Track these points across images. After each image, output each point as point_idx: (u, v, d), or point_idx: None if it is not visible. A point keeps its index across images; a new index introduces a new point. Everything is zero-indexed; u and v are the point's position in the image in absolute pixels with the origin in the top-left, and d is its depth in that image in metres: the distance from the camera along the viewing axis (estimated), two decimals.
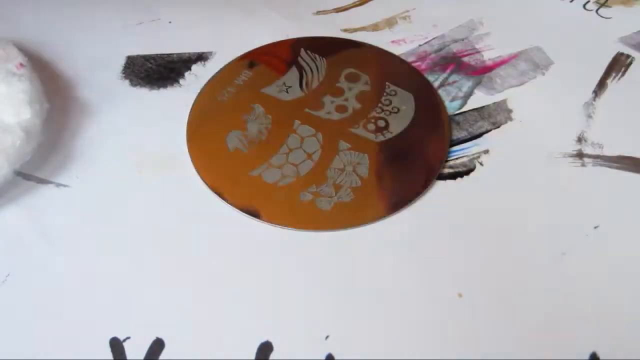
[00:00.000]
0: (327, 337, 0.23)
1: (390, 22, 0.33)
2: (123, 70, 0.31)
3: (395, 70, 0.31)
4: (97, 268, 0.24)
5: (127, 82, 0.30)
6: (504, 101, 0.29)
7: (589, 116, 0.29)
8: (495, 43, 0.32)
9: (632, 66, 0.30)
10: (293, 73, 0.30)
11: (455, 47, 0.32)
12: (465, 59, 0.31)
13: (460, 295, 0.23)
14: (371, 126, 0.28)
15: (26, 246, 0.25)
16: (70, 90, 0.30)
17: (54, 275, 0.24)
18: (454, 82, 0.30)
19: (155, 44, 0.32)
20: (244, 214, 0.26)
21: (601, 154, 0.27)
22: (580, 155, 0.27)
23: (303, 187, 0.26)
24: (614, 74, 0.30)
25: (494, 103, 0.29)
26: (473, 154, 0.27)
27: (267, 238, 0.25)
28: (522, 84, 0.30)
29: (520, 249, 0.25)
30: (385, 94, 0.29)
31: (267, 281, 0.24)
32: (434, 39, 0.32)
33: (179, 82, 0.30)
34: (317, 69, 0.31)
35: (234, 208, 0.26)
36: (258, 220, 0.25)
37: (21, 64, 0.27)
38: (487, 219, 0.25)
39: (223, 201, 0.26)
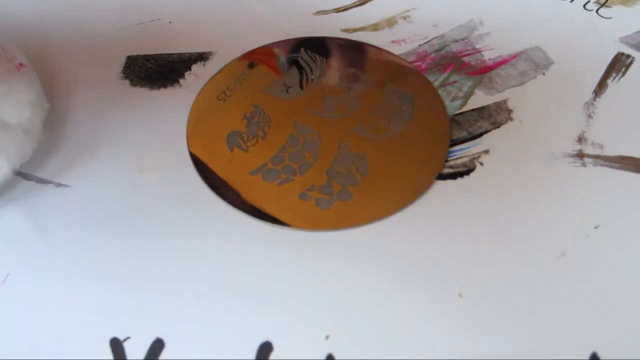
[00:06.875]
0: (327, 337, 0.23)
1: (390, 22, 0.33)
2: (123, 70, 0.31)
3: (395, 70, 0.31)
4: (97, 268, 0.24)
5: (127, 82, 0.30)
6: (504, 101, 0.29)
7: (589, 116, 0.29)
8: (495, 43, 0.32)
9: (632, 66, 0.30)
10: (293, 73, 0.30)
11: (455, 47, 0.32)
12: (466, 59, 0.31)
13: (460, 295, 0.23)
14: (371, 126, 0.28)
15: (26, 246, 0.25)
16: (70, 90, 0.30)
17: (54, 275, 0.24)
18: (454, 82, 0.30)
19: (155, 44, 0.32)
20: (243, 213, 0.26)
21: (601, 154, 0.27)
22: (580, 155, 0.27)
23: (303, 187, 0.26)
24: (614, 74, 0.30)
25: (494, 103, 0.29)
26: (473, 154, 0.27)
27: (267, 238, 0.25)
28: (522, 84, 0.30)
29: (520, 249, 0.25)
30: (385, 94, 0.29)
31: (267, 281, 0.24)
32: (434, 39, 0.32)
33: (179, 82, 0.30)
34: (317, 69, 0.31)
35: (234, 208, 0.26)
36: (258, 220, 0.25)
37: (21, 64, 0.27)
38: (487, 219, 0.25)
39: (223, 201, 0.26)
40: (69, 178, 0.27)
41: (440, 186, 0.26)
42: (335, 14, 0.34)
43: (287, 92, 0.30)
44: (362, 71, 0.30)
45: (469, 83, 0.30)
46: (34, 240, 0.25)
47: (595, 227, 0.25)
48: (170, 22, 0.33)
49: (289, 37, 0.32)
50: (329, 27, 0.33)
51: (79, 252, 0.25)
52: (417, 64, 0.31)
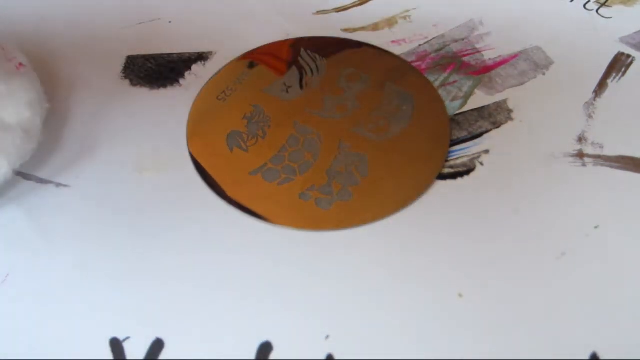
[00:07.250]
0: (327, 337, 0.23)
1: (390, 22, 0.33)
2: (123, 70, 0.31)
3: (395, 70, 0.30)
4: (97, 268, 0.24)
5: (127, 82, 0.30)
6: (504, 101, 0.29)
7: (589, 116, 0.29)
8: (495, 43, 0.32)
9: (632, 66, 0.30)
10: (293, 73, 0.30)
11: (455, 47, 0.32)
12: (466, 59, 0.31)
13: (460, 295, 0.23)
14: (371, 126, 0.28)
15: (26, 246, 0.25)
16: (70, 90, 0.30)
17: (54, 275, 0.24)
18: (454, 82, 0.30)
19: (155, 44, 0.32)
20: (243, 214, 0.26)
21: (601, 154, 0.27)
22: (580, 155, 0.27)
23: (303, 187, 0.26)
24: (614, 74, 0.30)
25: (494, 103, 0.29)
26: (473, 154, 0.27)
27: (267, 238, 0.25)
28: (522, 84, 0.30)
29: (520, 249, 0.25)
30: (385, 94, 0.29)
31: (267, 281, 0.24)
32: (434, 39, 0.32)
33: (179, 82, 0.30)
34: (317, 69, 0.31)
35: (234, 208, 0.26)
36: (258, 220, 0.25)
37: (21, 64, 0.27)
38: (487, 219, 0.25)
39: (223, 201, 0.26)
40: (69, 178, 0.27)
41: (440, 186, 0.26)
42: (335, 14, 0.34)
43: (287, 92, 0.30)
44: (362, 71, 0.30)
45: (469, 83, 0.30)
46: (34, 240, 0.25)
47: (595, 227, 0.25)
48: (170, 22, 0.33)
49: (289, 37, 0.32)
50: (329, 27, 0.33)
51: (79, 252, 0.25)
52: (417, 64, 0.31)
